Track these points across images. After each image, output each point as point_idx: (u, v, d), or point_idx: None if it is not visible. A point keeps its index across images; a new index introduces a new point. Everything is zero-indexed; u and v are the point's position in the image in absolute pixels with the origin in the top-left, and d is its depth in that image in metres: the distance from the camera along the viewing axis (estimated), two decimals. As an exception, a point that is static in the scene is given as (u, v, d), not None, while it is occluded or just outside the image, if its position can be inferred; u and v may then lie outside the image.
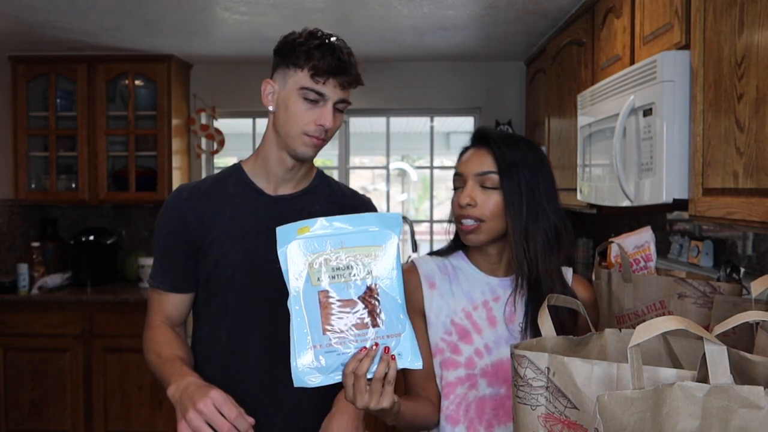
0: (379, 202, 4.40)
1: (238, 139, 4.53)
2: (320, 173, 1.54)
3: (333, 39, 1.37)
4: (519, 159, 1.26)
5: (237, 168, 1.49)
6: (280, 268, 1.37)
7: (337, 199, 1.50)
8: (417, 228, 4.11)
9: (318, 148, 1.39)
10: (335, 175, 4.22)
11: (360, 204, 1.53)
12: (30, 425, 3.44)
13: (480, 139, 1.31)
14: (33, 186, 3.75)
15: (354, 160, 4.54)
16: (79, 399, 3.43)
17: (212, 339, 1.43)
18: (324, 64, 1.32)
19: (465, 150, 1.34)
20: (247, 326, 1.41)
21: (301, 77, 1.34)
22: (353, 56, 1.39)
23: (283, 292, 1.38)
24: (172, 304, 1.46)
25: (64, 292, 3.55)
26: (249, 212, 1.43)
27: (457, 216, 1.30)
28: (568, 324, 1.26)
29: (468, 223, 1.27)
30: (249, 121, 4.17)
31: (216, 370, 1.41)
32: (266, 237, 1.40)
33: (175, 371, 1.30)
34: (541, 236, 1.25)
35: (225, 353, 1.42)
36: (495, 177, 1.25)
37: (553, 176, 1.32)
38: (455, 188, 1.32)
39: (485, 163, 1.27)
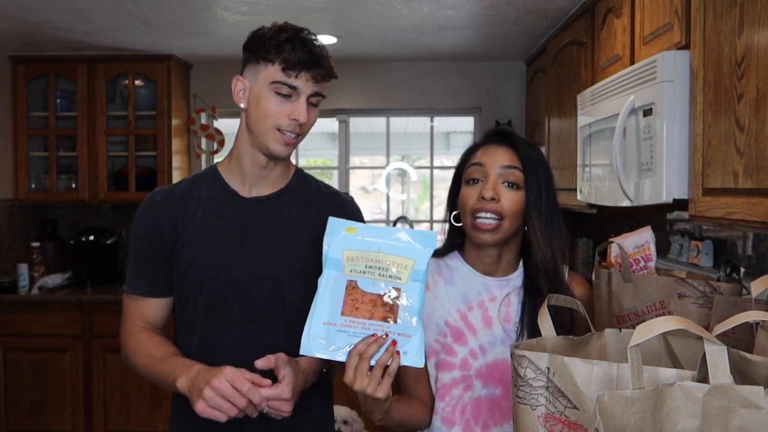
0: (379, 202, 4.39)
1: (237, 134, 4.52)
2: (299, 172, 1.50)
3: (303, 33, 1.33)
4: (536, 159, 1.27)
5: (213, 169, 1.46)
6: (249, 271, 1.37)
7: (314, 199, 1.46)
8: (417, 228, 4.11)
9: (292, 146, 1.36)
10: (335, 175, 4.22)
11: (341, 204, 1.48)
12: (30, 425, 3.44)
13: (500, 136, 1.30)
14: (33, 186, 3.75)
15: (354, 160, 4.54)
16: (79, 399, 3.43)
17: (186, 344, 1.40)
18: (295, 57, 1.29)
19: (477, 146, 1.32)
20: (217, 331, 1.38)
21: (272, 71, 1.30)
22: (325, 49, 1.35)
23: (254, 296, 1.37)
24: (150, 309, 1.43)
25: (64, 292, 3.55)
26: (222, 214, 1.40)
27: (473, 209, 1.25)
28: (565, 323, 1.26)
29: (487, 220, 1.24)
30: (249, 121, 4.17)
31: None
32: (239, 240, 1.38)
33: (179, 365, 1.27)
34: (558, 238, 1.27)
35: (196, 359, 1.37)
36: (519, 174, 1.25)
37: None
38: (473, 180, 1.27)
39: (508, 157, 1.26)
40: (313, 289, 1.40)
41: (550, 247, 1.26)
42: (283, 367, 1.20)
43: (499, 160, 1.26)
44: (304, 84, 1.31)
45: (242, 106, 1.37)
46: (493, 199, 1.23)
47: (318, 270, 1.41)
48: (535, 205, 1.25)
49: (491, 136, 1.32)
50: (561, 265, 1.27)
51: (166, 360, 1.31)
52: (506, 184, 1.25)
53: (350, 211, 1.49)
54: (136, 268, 1.43)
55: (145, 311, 1.43)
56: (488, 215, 1.24)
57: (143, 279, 1.42)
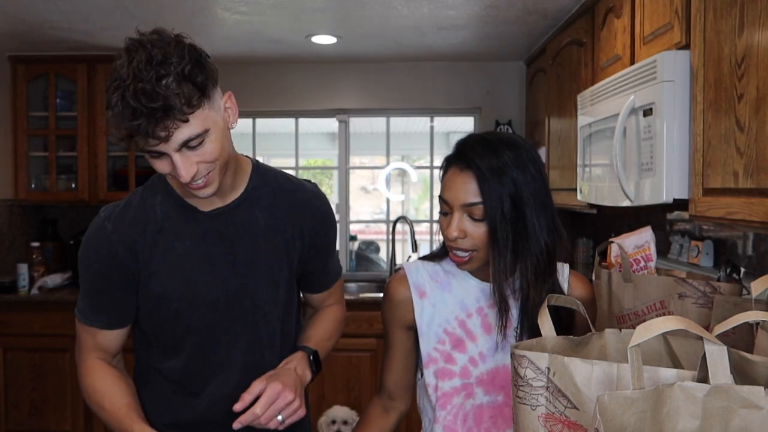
0: (379, 202, 4.39)
1: (238, 139, 4.52)
2: (256, 169, 1.34)
3: (137, 80, 1.02)
4: (501, 175, 1.16)
5: (160, 180, 1.28)
6: (225, 291, 1.29)
7: (279, 198, 1.34)
8: (417, 228, 4.11)
9: (208, 186, 1.16)
10: (335, 175, 4.22)
11: (306, 198, 1.36)
12: (30, 425, 3.44)
13: (461, 158, 1.20)
14: (33, 186, 3.75)
15: (354, 160, 4.54)
16: (79, 399, 3.42)
17: (165, 368, 1.34)
18: (123, 134, 1.06)
19: (448, 165, 1.24)
20: (203, 355, 1.31)
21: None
22: (168, 78, 1.04)
23: (235, 314, 1.31)
24: (108, 340, 1.32)
25: (64, 292, 3.55)
26: (184, 235, 1.26)
27: (447, 245, 1.24)
28: (565, 324, 1.25)
29: (460, 254, 1.22)
30: (249, 121, 4.17)
31: (163, 401, 1.34)
32: (207, 260, 1.27)
33: (128, 424, 1.22)
34: (531, 264, 1.20)
35: (182, 383, 1.33)
36: (482, 207, 1.17)
37: (544, 172, 1.24)
38: (442, 212, 1.24)
39: (470, 191, 1.17)
40: (285, 295, 1.36)
41: (512, 272, 1.20)
42: (257, 385, 1.20)
43: (460, 197, 1.18)
44: (156, 146, 1.07)
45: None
46: (458, 237, 1.20)
47: (293, 271, 1.36)
48: (498, 243, 1.18)
49: (453, 157, 1.23)
50: (538, 293, 1.21)
51: (115, 416, 1.25)
52: (471, 218, 1.19)
53: (317, 204, 1.39)
54: (90, 300, 1.29)
55: (102, 342, 1.32)
56: (459, 252, 1.22)
57: (100, 313, 1.29)
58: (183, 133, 1.07)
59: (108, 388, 1.28)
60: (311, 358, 1.34)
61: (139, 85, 1.02)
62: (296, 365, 1.30)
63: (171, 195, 1.28)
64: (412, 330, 1.31)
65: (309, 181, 1.42)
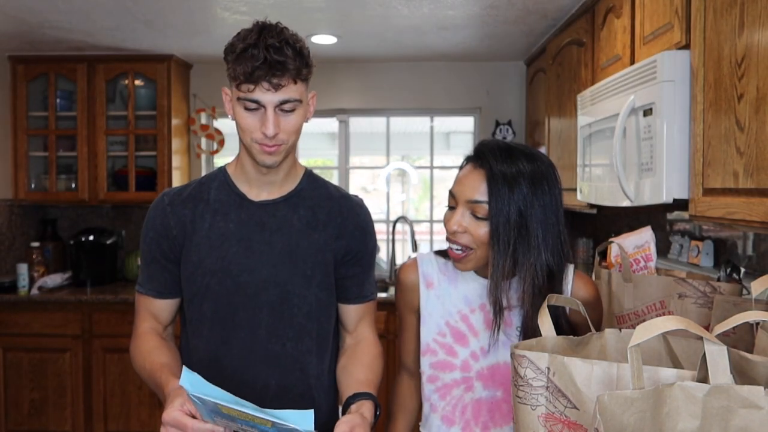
0: (379, 202, 4.39)
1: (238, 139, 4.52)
2: (308, 174, 1.48)
3: (266, 36, 1.25)
4: (513, 181, 1.18)
5: (222, 171, 1.45)
6: (256, 276, 1.36)
7: (324, 203, 1.44)
8: (417, 228, 4.11)
9: (277, 154, 1.31)
10: (335, 175, 4.22)
11: (349, 205, 1.46)
12: (30, 425, 3.44)
13: (477, 157, 1.24)
14: (33, 186, 3.75)
15: (354, 160, 4.54)
16: (79, 399, 3.43)
17: (192, 347, 1.41)
18: (248, 69, 1.23)
19: (465, 162, 1.28)
20: (223, 336, 1.37)
21: (235, 85, 1.28)
22: (290, 47, 1.26)
23: (261, 301, 1.36)
24: (160, 308, 1.43)
25: (63, 292, 3.55)
26: (230, 218, 1.39)
27: (447, 239, 1.27)
28: (565, 324, 1.25)
29: (457, 250, 1.25)
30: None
31: None
32: (246, 244, 1.37)
33: (162, 381, 1.26)
34: (529, 276, 1.21)
35: (204, 364, 1.38)
36: (486, 207, 1.20)
37: (558, 193, 1.25)
38: (448, 206, 1.28)
39: (478, 189, 1.21)
40: (320, 294, 1.40)
41: (509, 276, 1.21)
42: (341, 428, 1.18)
43: (466, 193, 1.22)
44: (263, 96, 1.25)
45: (230, 117, 1.35)
46: (457, 231, 1.23)
47: (328, 272, 1.41)
48: (496, 241, 1.20)
49: (471, 156, 1.26)
50: (530, 305, 1.21)
51: (156, 373, 1.29)
52: (474, 216, 1.22)
53: (358, 212, 1.47)
54: (147, 269, 1.43)
55: (154, 310, 1.44)
56: (456, 246, 1.25)
57: (153, 281, 1.42)
58: (287, 92, 1.26)
59: (150, 349, 1.36)
60: (377, 413, 1.33)
61: (269, 40, 1.24)
62: (365, 411, 1.27)
63: (227, 183, 1.42)
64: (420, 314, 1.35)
65: (356, 196, 1.52)
